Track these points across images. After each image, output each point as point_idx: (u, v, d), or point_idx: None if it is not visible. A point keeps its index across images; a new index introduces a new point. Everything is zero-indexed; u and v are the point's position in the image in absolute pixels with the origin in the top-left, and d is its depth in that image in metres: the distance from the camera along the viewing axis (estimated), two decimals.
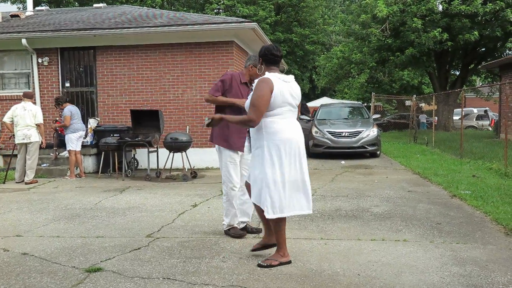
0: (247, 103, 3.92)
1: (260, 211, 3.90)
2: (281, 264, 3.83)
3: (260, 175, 3.80)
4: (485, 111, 28.42)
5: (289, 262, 3.89)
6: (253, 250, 4.16)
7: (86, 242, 4.68)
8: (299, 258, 4.04)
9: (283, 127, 3.78)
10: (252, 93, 3.83)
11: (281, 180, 3.74)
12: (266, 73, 3.86)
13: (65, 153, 9.85)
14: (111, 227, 5.29)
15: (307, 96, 39.82)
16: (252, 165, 3.97)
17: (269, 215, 3.74)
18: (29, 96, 9.24)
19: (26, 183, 8.73)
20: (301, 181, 3.84)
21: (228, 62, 10.53)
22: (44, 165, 9.95)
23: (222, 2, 27.72)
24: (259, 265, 3.84)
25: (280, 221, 3.83)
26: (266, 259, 3.91)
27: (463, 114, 13.14)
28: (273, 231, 3.93)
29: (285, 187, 3.75)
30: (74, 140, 9.24)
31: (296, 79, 28.25)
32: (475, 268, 3.74)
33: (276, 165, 3.75)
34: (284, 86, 3.80)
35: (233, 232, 4.75)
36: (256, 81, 3.84)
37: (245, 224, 4.85)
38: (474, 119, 29.26)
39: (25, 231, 5.20)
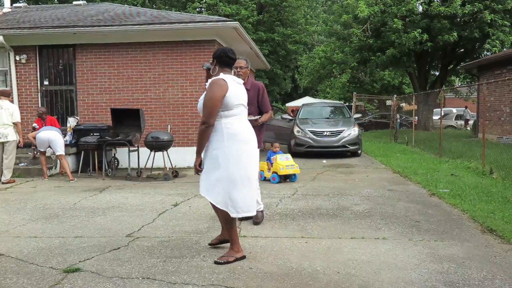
0: (199, 105, 3.97)
1: (217, 209, 3.95)
2: (236, 259, 3.92)
3: (224, 175, 3.80)
4: (465, 109, 28.74)
5: (244, 257, 3.99)
6: (210, 244, 4.36)
7: (64, 242, 4.61)
8: (279, 257, 4.05)
9: (242, 128, 3.91)
10: (206, 92, 3.84)
11: (247, 178, 3.87)
12: (221, 74, 3.91)
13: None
14: (90, 227, 5.23)
15: (289, 96, 39.95)
16: (210, 167, 3.88)
17: (233, 214, 3.85)
18: (6, 94, 9.07)
19: (3, 183, 8.56)
20: (255, 179, 4.05)
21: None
22: (22, 164, 9.77)
23: (204, 1, 27.61)
24: (216, 262, 3.89)
25: (231, 219, 3.93)
26: (222, 256, 3.96)
27: (442, 114, 13.34)
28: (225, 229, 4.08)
29: (250, 185, 3.90)
30: (38, 144, 8.99)
31: (279, 78, 28.11)
32: (452, 265, 3.80)
33: (241, 164, 3.84)
34: (238, 87, 3.92)
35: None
36: (209, 82, 3.87)
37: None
38: (453, 119, 29.70)
39: (1, 231, 5.10)
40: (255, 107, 5.19)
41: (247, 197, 3.87)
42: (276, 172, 8.13)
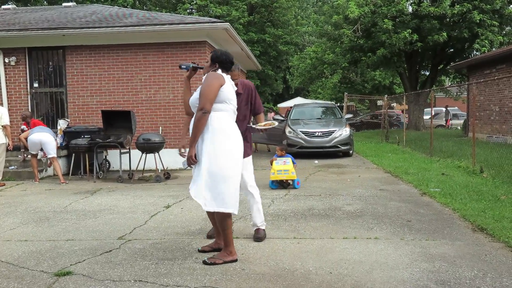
0: (192, 99, 3.96)
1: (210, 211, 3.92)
2: (225, 262, 3.88)
3: (215, 169, 3.76)
4: (445, 109, 28.89)
5: (235, 260, 3.94)
6: (200, 251, 4.27)
7: (56, 246, 4.58)
8: (272, 258, 4.05)
9: (232, 127, 3.88)
10: (203, 82, 3.83)
11: (236, 175, 3.86)
12: (221, 71, 3.96)
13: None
14: (81, 230, 5.19)
15: (281, 96, 40.01)
16: (201, 162, 3.83)
17: (228, 210, 3.80)
18: None
19: None
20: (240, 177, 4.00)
21: (200, 62, 10.47)
22: (12, 167, 9.68)
23: (194, 2, 27.56)
24: (204, 262, 3.90)
25: (227, 218, 3.86)
26: (212, 257, 3.96)
27: (432, 113, 13.42)
28: (219, 230, 3.99)
29: (238, 183, 3.89)
30: (30, 146, 8.89)
31: (270, 79, 28.15)
32: (444, 264, 3.83)
33: (231, 160, 3.81)
34: (232, 89, 3.94)
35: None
36: (206, 75, 3.88)
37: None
38: (444, 118, 29.92)
39: None
40: (249, 109, 4.75)
41: (236, 194, 3.86)
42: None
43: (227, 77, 3.93)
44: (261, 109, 4.82)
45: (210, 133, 3.78)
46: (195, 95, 3.93)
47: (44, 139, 8.74)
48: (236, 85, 4.43)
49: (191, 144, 3.80)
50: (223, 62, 3.96)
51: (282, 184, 7.70)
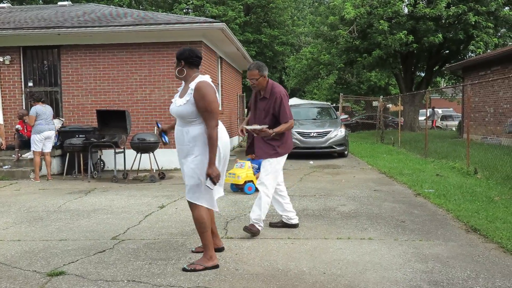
0: (178, 110, 3.73)
1: (193, 211, 3.90)
2: (206, 268, 3.74)
3: (202, 177, 3.72)
4: (432, 109, 28.85)
5: (216, 266, 3.80)
6: (194, 252, 4.25)
7: (49, 246, 4.56)
8: (266, 258, 4.05)
9: (221, 133, 3.82)
10: (198, 98, 3.62)
11: (222, 180, 3.96)
12: (200, 75, 3.79)
13: (27, 155, 9.58)
14: (75, 230, 5.17)
15: None
16: (196, 171, 3.75)
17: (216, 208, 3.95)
18: None
19: None
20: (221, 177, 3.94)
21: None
22: (6, 167, 9.63)
23: (191, 2, 27.53)
24: (184, 269, 3.76)
25: (204, 222, 3.78)
26: (191, 263, 3.85)
27: (427, 114, 13.46)
28: (199, 234, 3.87)
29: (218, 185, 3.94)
30: (37, 141, 8.94)
31: None
32: (437, 264, 3.84)
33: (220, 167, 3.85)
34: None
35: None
36: (196, 84, 3.68)
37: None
38: (439, 119, 30.04)
39: None
40: (271, 117, 4.64)
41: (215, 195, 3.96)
42: None
43: (209, 78, 3.81)
44: (285, 119, 4.63)
45: (205, 145, 3.70)
46: (186, 108, 3.68)
47: (51, 134, 9.13)
48: (263, 89, 4.63)
49: (214, 163, 3.65)
50: (187, 58, 3.78)
51: (239, 187, 7.48)
